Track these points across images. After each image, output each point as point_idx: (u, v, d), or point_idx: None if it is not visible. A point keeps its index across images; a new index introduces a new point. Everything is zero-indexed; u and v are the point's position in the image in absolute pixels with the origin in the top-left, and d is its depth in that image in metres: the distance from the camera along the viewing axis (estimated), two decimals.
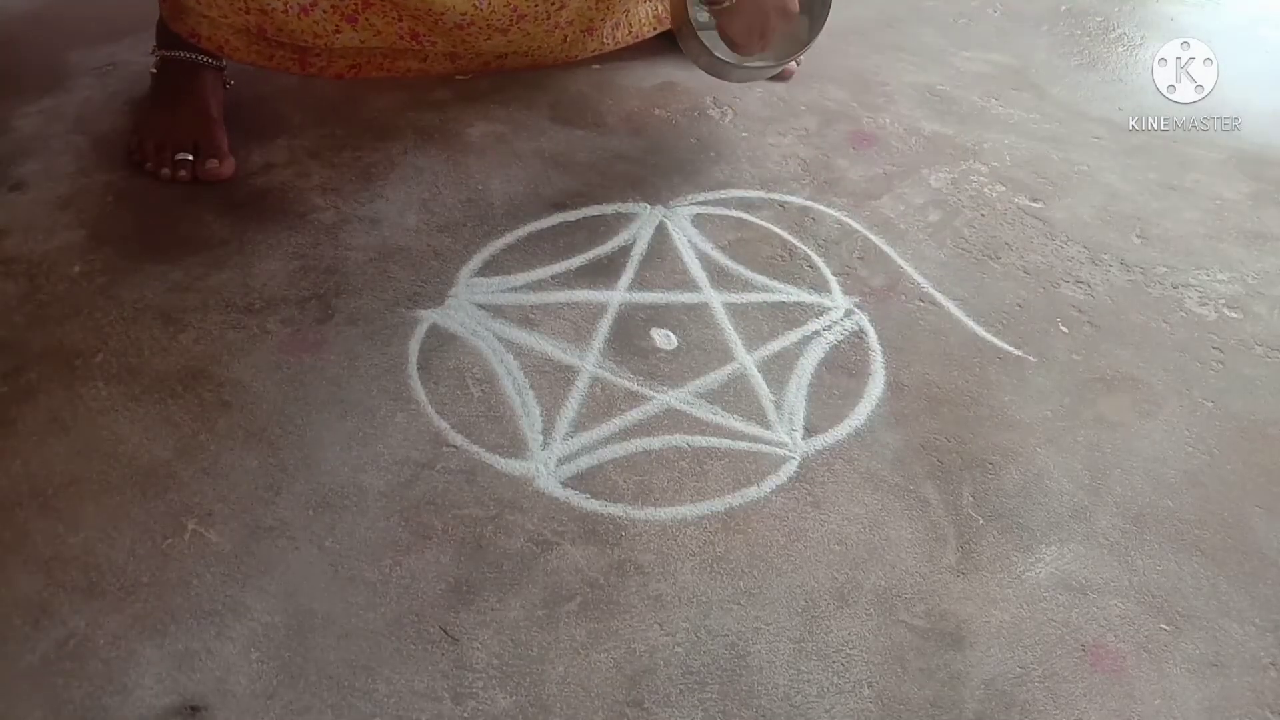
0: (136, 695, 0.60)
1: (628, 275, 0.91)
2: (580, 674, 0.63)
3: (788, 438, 0.78)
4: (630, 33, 1.15)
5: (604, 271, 0.91)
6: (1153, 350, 0.88)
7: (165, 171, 0.97)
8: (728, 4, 0.95)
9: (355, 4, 0.97)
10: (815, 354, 0.85)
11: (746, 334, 0.87)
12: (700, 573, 0.69)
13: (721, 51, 1.02)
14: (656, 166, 1.05)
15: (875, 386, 0.83)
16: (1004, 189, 1.05)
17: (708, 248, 0.95)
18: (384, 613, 0.65)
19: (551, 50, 1.10)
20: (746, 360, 0.84)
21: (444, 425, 0.77)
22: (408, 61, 1.05)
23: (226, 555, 0.67)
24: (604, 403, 0.80)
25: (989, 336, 0.88)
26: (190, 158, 0.97)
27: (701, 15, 1.06)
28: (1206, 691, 0.64)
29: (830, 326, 0.88)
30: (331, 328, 0.84)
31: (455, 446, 0.75)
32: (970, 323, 0.89)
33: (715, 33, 1.05)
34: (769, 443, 0.78)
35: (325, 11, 0.96)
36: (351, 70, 1.04)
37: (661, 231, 0.96)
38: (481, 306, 0.87)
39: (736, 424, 0.79)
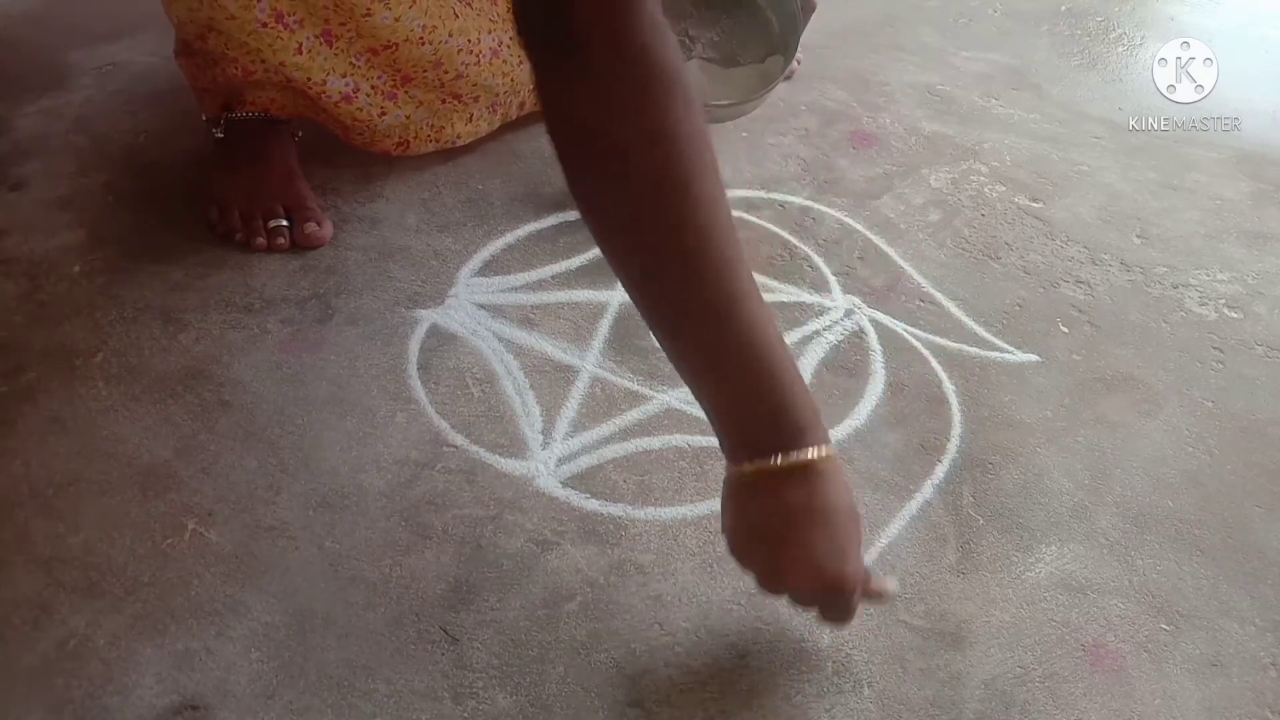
0: (136, 695, 0.60)
1: None
2: (580, 674, 0.63)
3: None
4: None
5: (604, 271, 0.91)
6: (1153, 350, 0.88)
7: (260, 241, 0.89)
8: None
9: (394, 81, 0.92)
10: (815, 354, 0.85)
11: None
12: (700, 573, 0.69)
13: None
14: None
15: (875, 386, 0.83)
16: (1004, 189, 1.05)
17: None
18: (384, 613, 0.65)
19: None
20: None
21: (444, 425, 0.77)
22: (455, 126, 0.99)
23: (226, 555, 0.67)
24: (604, 402, 0.80)
25: (989, 336, 0.88)
26: (286, 223, 0.90)
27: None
28: (1206, 691, 0.64)
29: (830, 326, 0.88)
30: (331, 328, 0.84)
31: (455, 446, 0.75)
32: (970, 323, 0.89)
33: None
34: None
35: (368, 95, 0.91)
36: (399, 147, 0.98)
37: None
38: (481, 306, 0.87)
39: None
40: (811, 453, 0.57)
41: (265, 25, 0.83)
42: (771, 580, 0.60)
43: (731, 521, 0.60)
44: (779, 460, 0.56)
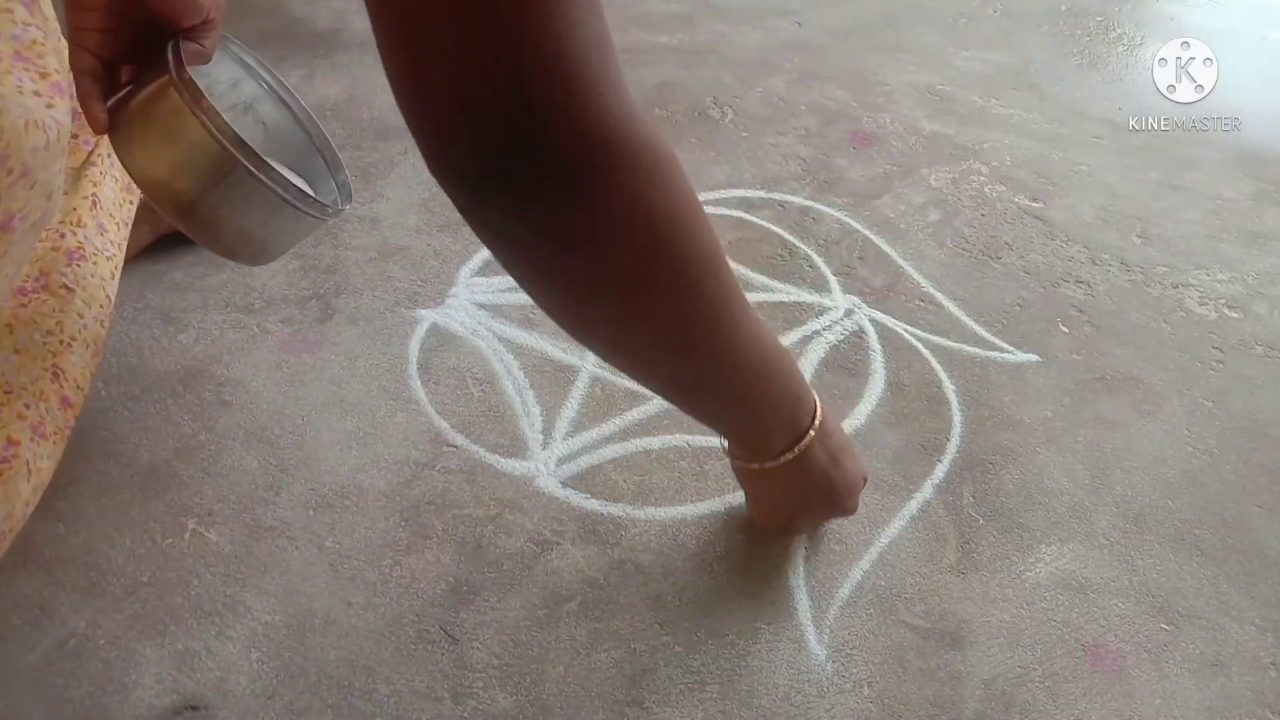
0: (136, 695, 0.60)
1: None
2: (580, 674, 0.63)
3: None
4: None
5: None
6: (1153, 350, 0.88)
7: None
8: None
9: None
10: (815, 354, 0.85)
11: None
12: (700, 573, 0.69)
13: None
14: None
15: (875, 386, 0.83)
16: (1004, 189, 1.05)
17: None
18: (384, 613, 0.65)
19: None
20: None
21: (444, 425, 0.77)
22: None
23: (226, 555, 0.67)
24: (604, 402, 0.80)
25: (989, 336, 0.88)
26: None
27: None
28: (1206, 691, 0.64)
29: (830, 326, 0.88)
30: (331, 328, 0.84)
31: (455, 446, 0.75)
32: (970, 323, 0.89)
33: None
34: None
35: None
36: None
37: None
38: (481, 306, 0.87)
39: None
40: (810, 433, 0.62)
41: None
42: (793, 532, 0.71)
43: (755, 505, 0.69)
44: (788, 458, 0.62)
